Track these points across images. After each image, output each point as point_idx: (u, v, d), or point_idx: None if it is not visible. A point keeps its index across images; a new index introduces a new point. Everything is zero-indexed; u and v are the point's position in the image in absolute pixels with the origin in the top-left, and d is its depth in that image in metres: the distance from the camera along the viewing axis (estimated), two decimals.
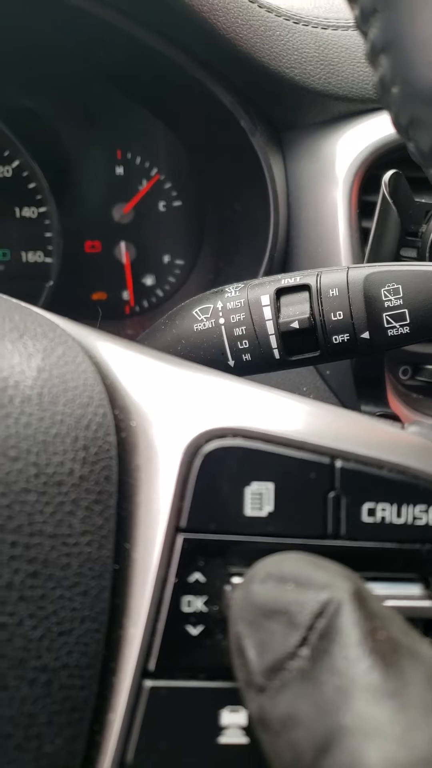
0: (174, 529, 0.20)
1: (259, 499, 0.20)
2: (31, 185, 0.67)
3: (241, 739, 0.20)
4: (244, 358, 0.38)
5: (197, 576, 0.20)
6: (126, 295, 0.72)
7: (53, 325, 0.25)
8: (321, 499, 0.21)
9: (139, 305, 0.73)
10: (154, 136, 0.66)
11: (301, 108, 0.50)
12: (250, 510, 0.20)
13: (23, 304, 0.26)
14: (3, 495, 0.18)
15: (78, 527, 0.19)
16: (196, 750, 0.19)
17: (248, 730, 0.20)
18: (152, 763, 0.19)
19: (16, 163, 0.66)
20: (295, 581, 0.18)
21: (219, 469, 0.21)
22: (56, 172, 0.67)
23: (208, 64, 0.49)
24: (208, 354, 0.39)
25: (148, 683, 0.20)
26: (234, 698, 0.20)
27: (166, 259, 0.71)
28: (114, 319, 0.72)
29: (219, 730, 0.20)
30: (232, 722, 0.20)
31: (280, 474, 0.21)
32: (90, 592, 0.19)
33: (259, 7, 0.48)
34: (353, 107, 0.50)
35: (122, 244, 0.71)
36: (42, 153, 0.66)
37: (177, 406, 0.22)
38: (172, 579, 0.20)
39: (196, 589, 0.20)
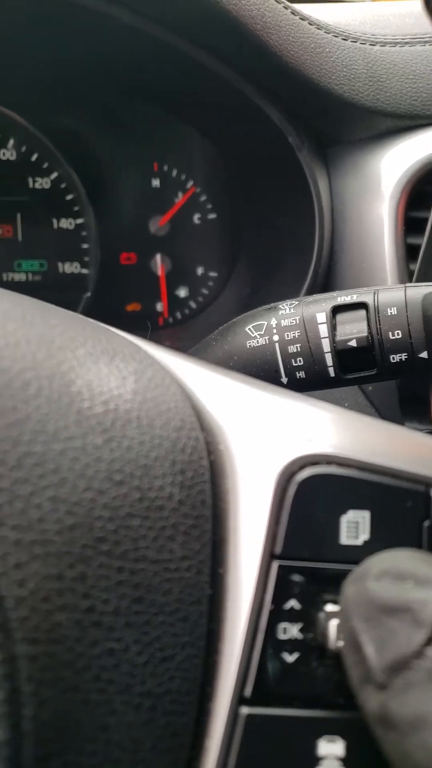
0: (269, 555, 0.20)
1: (354, 527, 0.20)
2: (69, 197, 0.67)
3: None
4: (297, 375, 0.38)
5: (292, 603, 0.20)
6: (160, 306, 0.73)
7: (137, 347, 0.25)
8: (416, 527, 0.21)
9: (173, 317, 0.73)
10: (191, 150, 0.66)
11: (348, 124, 0.51)
12: (345, 538, 0.21)
13: (103, 324, 0.27)
14: (110, 520, 0.19)
15: (178, 552, 0.20)
16: None
17: (346, 761, 0.20)
18: None
19: (54, 175, 0.66)
20: (413, 579, 0.18)
21: (314, 496, 0.21)
22: (94, 184, 0.68)
23: (258, 81, 0.49)
24: (261, 371, 0.39)
25: (245, 710, 0.20)
26: (331, 727, 0.20)
27: (200, 271, 0.72)
28: (148, 332, 0.72)
29: (316, 760, 0.20)
30: (330, 752, 0.20)
31: (375, 502, 0.21)
32: (189, 618, 0.19)
33: (309, 24, 0.48)
34: (401, 123, 0.50)
35: (158, 256, 0.71)
36: (80, 166, 0.67)
37: (266, 429, 0.22)
38: (267, 606, 0.20)
39: (291, 616, 0.20)
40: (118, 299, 0.72)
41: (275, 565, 0.20)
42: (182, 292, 0.73)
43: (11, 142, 0.65)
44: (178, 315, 0.73)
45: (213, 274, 0.71)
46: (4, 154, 0.66)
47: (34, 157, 0.65)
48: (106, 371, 0.22)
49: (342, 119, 0.50)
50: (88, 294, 0.70)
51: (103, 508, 0.19)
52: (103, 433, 0.20)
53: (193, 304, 0.73)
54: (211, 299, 0.72)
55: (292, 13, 0.47)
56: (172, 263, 0.72)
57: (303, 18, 0.47)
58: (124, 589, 0.18)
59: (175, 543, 0.20)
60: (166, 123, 0.64)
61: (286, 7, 0.47)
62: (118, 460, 0.19)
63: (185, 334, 0.72)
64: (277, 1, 0.47)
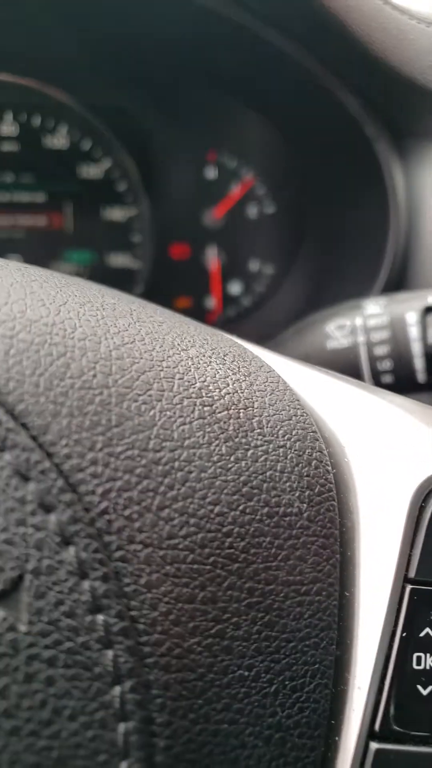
0: (402, 578, 0.19)
1: None
2: (122, 186, 0.66)
3: None
4: (383, 380, 0.36)
5: (428, 630, 0.19)
6: (211, 303, 0.71)
7: (243, 348, 0.23)
8: None
9: (225, 314, 0.71)
10: (253, 139, 0.65)
11: (428, 116, 0.48)
12: None
13: (202, 324, 0.25)
14: (239, 537, 0.17)
15: (309, 574, 0.18)
16: None
17: None
18: None
19: (107, 164, 0.65)
20: None
21: None
22: (147, 172, 0.67)
23: (336, 67, 0.47)
24: (341, 374, 0.38)
25: (374, 745, 0.18)
26: None
27: (255, 266, 0.70)
28: None
29: None
30: None
31: None
32: (320, 645, 0.18)
33: (392, 9, 0.46)
34: None
35: (211, 250, 0.70)
36: (134, 151, 0.66)
37: (394, 443, 0.20)
38: (399, 632, 0.19)
39: (427, 645, 0.19)
40: (167, 294, 0.71)
41: (408, 589, 0.19)
42: (236, 289, 0.71)
43: (64, 129, 0.64)
44: (231, 312, 0.71)
45: (269, 270, 0.69)
46: (55, 141, 0.65)
47: (86, 146, 0.64)
48: (222, 373, 0.20)
49: (422, 110, 0.48)
50: (140, 289, 0.68)
51: (232, 524, 0.17)
52: (227, 441, 0.18)
53: (246, 302, 0.71)
54: (267, 297, 0.70)
55: None
56: (225, 258, 0.70)
57: (386, 2, 0.45)
58: (255, 612, 0.17)
59: (305, 564, 0.18)
60: (226, 108, 0.62)
61: None
62: (245, 471, 0.18)
63: (238, 333, 0.71)
64: None
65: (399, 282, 0.52)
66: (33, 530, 0.15)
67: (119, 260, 0.69)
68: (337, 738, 0.18)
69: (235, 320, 0.71)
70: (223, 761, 0.16)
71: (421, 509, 0.19)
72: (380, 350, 0.36)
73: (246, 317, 0.71)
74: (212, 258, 0.70)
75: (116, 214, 0.68)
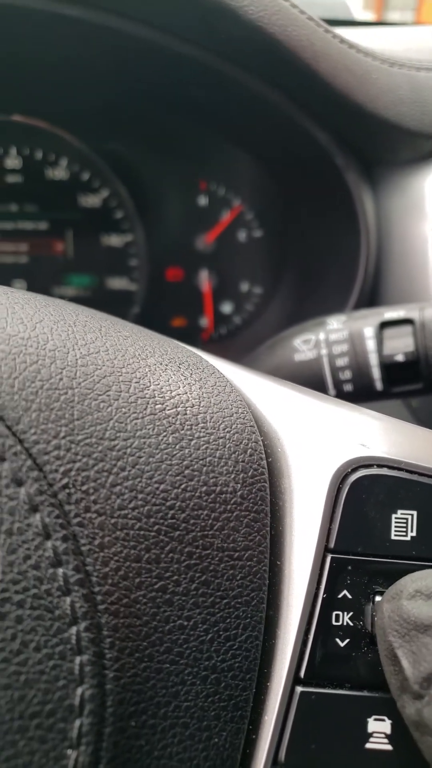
0: (323, 549, 0.22)
1: (404, 525, 0.22)
2: (119, 215, 0.71)
3: (386, 746, 0.21)
4: (345, 388, 0.40)
5: (344, 592, 0.22)
6: (204, 322, 0.75)
7: (199, 357, 0.27)
8: None
9: (218, 332, 0.75)
10: (238, 169, 0.69)
11: (393, 146, 0.52)
12: (394, 535, 0.22)
13: (166, 337, 0.29)
14: (181, 510, 0.21)
15: (241, 542, 0.22)
16: (344, 753, 0.21)
17: (392, 738, 0.21)
18: (302, 763, 0.21)
19: (104, 194, 0.70)
20: None
21: (366, 496, 0.22)
22: (142, 202, 0.71)
23: (306, 105, 0.51)
24: (308, 384, 0.41)
25: (300, 689, 0.22)
26: (379, 708, 0.21)
27: (245, 287, 0.74)
28: (192, 346, 0.75)
29: (366, 735, 0.21)
30: (378, 729, 0.21)
31: (422, 502, 0.22)
32: (250, 603, 0.21)
33: (357, 51, 0.50)
34: None
35: (203, 273, 0.74)
36: (130, 184, 0.70)
37: (321, 434, 0.24)
38: (321, 595, 0.22)
39: (343, 605, 0.22)
40: (163, 314, 0.75)
41: (329, 558, 0.22)
42: (227, 308, 0.75)
43: (64, 162, 0.68)
44: (223, 330, 0.75)
45: (258, 290, 0.73)
46: (56, 173, 0.69)
47: (85, 177, 0.69)
48: (174, 378, 0.24)
49: (387, 142, 0.52)
50: (137, 309, 0.73)
51: (174, 499, 0.21)
52: (174, 433, 0.22)
53: (237, 320, 0.75)
54: (256, 315, 0.74)
55: (341, 41, 0.50)
56: (217, 279, 0.74)
57: (351, 46, 0.50)
58: (193, 572, 0.21)
59: (238, 534, 0.22)
60: (214, 143, 0.67)
61: (334, 36, 0.49)
62: (188, 457, 0.22)
63: (230, 349, 0.74)
64: (326, 31, 0.49)
65: (371, 300, 0.55)
66: (6, 499, 0.19)
67: (117, 283, 0.73)
68: (268, 683, 0.22)
69: (227, 337, 0.75)
70: (165, 694, 0.20)
71: (339, 490, 0.23)
72: (341, 361, 0.39)
73: (237, 334, 0.75)
74: (205, 280, 0.74)
75: (114, 240, 0.72)
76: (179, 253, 0.73)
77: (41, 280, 0.72)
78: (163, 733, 0.19)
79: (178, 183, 0.71)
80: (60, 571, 0.19)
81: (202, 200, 0.71)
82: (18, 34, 0.51)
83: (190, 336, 0.75)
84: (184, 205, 0.71)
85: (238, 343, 0.75)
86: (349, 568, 0.22)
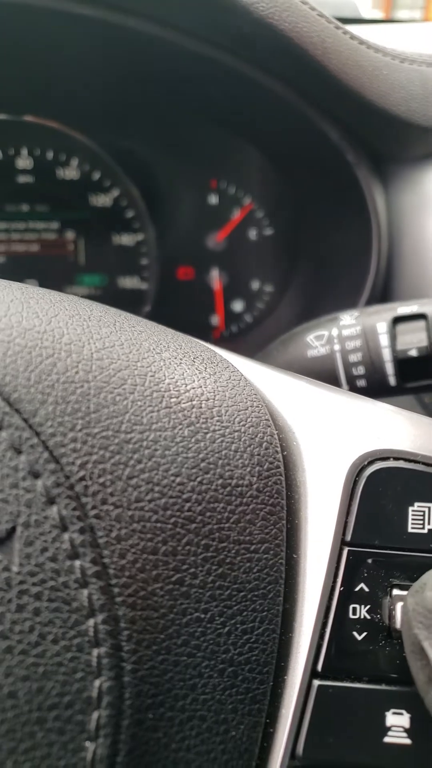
0: (340, 542, 0.22)
1: (421, 517, 0.22)
2: (130, 214, 0.71)
3: (405, 740, 0.21)
4: (358, 384, 0.40)
5: (361, 585, 0.22)
6: (215, 320, 0.75)
7: (213, 352, 0.27)
8: None
9: (229, 330, 0.75)
10: (249, 167, 0.69)
11: (404, 142, 0.52)
12: (411, 527, 0.22)
13: (180, 333, 0.29)
14: (197, 502, 0.21)
15: (257, 535, 0.22)
16: (362, 746, 0.21)
17: (411, 732, 0.21)
18: (320, 756, 0.21)
19: (115, 193, 0.70)
20: None
21: (383, 489, 0.22)
22: (153, 201, 0.71)
23: (317, 102, 0.51)
24: (321, 380, 0.41)
25: (317, 682, 0.21)
26: (397, 702, 0.21)
27: (256, 285, 0.74)
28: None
29: (384, 729, 0.21)
30: (396, 723, 0.21)
31: None
32: (267, 596, 0.21)
33: (368, 48, 0.50)
34: None
35: (214, 271, 0.74)
36: (140, 184, 0.70)
37: (336, 428, 0.24)
38: (338, 588, 0.22)
39: (360, 598, 0.22)
40: (175, 313, 0.75)
41: (346, 551, 0.22)
42: (238, 306, 0.75)
43: (75, 162, 0.69)
44: (234, 329, 0.75)
45: (269, 288, 0.73)
46: (67, 173, 0.70)
47: (96, 176, 0.69)
48: (189, 372, 0.24)
49: (398, 138, 0.52)
50: (148, 308, 0.73)
51: (191, 491, 0.21)
52: (189, 426, 0.22)
53: (248, 318, 0.75)
54: (267, 313, 0.74)
55: (351, 38, 0.49)
56: (228, 278, 0.74)
57: (361, 42, 0.50)
58: (210, 564, 0.20)
59: (254, 526, 0.22)
60: (225, 142, 0.67)
61: (345, 33, 0.49)
62: (204, 450, 0.22)
63: (241, 347, 0.74)
64: (337, 27, 0.49)
65: (382, 297, 0.55)
66: (24, 492, 0.19)
67: (129, 282, 0.73)
68: (285, 677, 0.22)
69: (238, 335, 0.75)
70: (183, 686, 0.20)
71: (355, 483, 0.23)
72: (354, 357, 0.39)
73: (248, 333, 0.75)
74: (216, 278, 0.74)
75: (125, 239, 0.72)
76: (190, 251, 0.73)
77: (53, 279, 0.72)
78: (181, 726, 0.19)
79: (188, 182, 0.71)
80: (77, 563, 0.19)
81: (213, 199, 0.71)
82: (30, 33, 0.52)
83: (202, 334, 0.75)
84: (194, 204, 0.71)
85: (249, 341, 0.75)
86: (366, 561, 0.22)
